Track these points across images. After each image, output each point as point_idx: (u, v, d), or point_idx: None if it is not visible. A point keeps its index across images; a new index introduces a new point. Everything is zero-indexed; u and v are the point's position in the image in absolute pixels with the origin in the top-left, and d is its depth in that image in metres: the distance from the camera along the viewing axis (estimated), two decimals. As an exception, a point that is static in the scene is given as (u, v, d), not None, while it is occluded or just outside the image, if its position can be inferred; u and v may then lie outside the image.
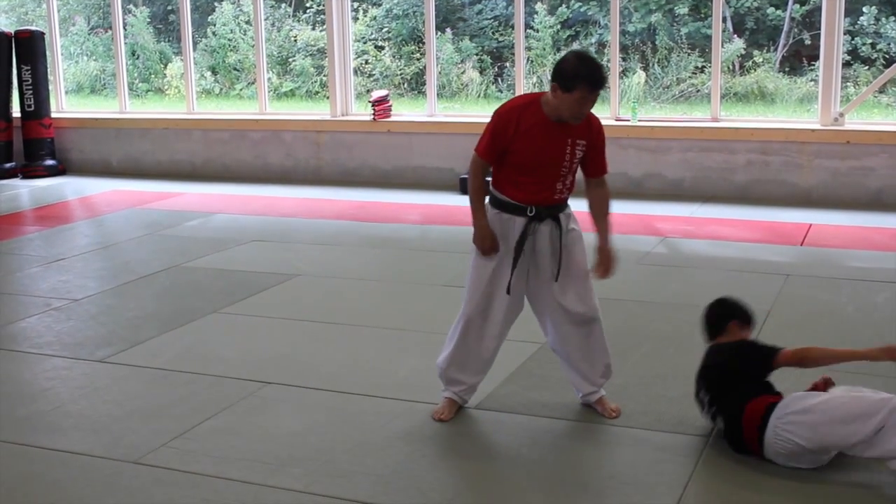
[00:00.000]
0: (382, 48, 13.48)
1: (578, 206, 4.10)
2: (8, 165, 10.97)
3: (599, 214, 4.08)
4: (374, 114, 10.13)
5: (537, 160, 3.88)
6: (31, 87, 10.97)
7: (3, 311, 5.85)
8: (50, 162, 11.02)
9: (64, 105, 11.95)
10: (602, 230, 4.08)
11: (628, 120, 9.40)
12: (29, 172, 10.87)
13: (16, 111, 11.16)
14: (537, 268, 4.03)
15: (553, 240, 3.97)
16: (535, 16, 12.34)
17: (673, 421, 4.07)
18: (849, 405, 3.54)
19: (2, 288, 6.38)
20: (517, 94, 9.90)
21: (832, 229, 7.62)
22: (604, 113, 9.85)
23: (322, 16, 12.41)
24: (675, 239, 7.37)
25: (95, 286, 6.35)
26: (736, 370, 3.83)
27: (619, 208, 8.38)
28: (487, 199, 4.03)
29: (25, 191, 10.17)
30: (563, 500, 3.48)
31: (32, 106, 10.99)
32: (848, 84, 11.14)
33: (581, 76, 3.75)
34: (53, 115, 11.27)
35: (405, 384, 4.46)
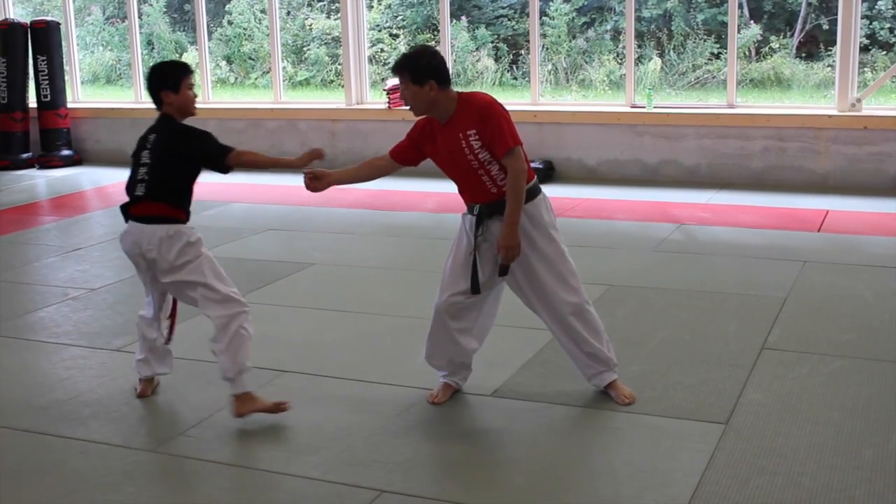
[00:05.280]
0: (397, 36, 13.46)
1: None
2: (25, 156, 11.02)
3: (507, 194, 3.88)
4: (389, 102, 10.12)
5: (445, 162, 3.99)
6: (46, 78, 11.01)
7: (22, 301, 5.88)
8: (66, 152, 11.06)
9: (80, 95, 11.98)
10: (507, 210, 3.88)
11: (644, 107, 9.37)
12: (45, 162, 10.91)
13: (32, 101, 11.21)
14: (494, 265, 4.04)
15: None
16: (551, 3, 12.29)
17: (689, 408, 4.06)
18: None
19: (20, 278, 6.41)
20: (531, 83, 9.89)
21: (849, 215, 7.59)
22: (619, 100, 9.83)
23: (337, 4, 12.40)
24: (691, 226, 7.34)
25: (112, 275, 6.38)
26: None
27: (635, 195, 8.45)
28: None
29: (42, 181, 10.22)
30: (580, 488, 3.48)
31: (48, 96, 11.03)
32: (865, 69, 11.06)
33: None
34: (69, 105, 11.31)
35: (421, 372, 4.46)
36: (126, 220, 4.15)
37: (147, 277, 4.16)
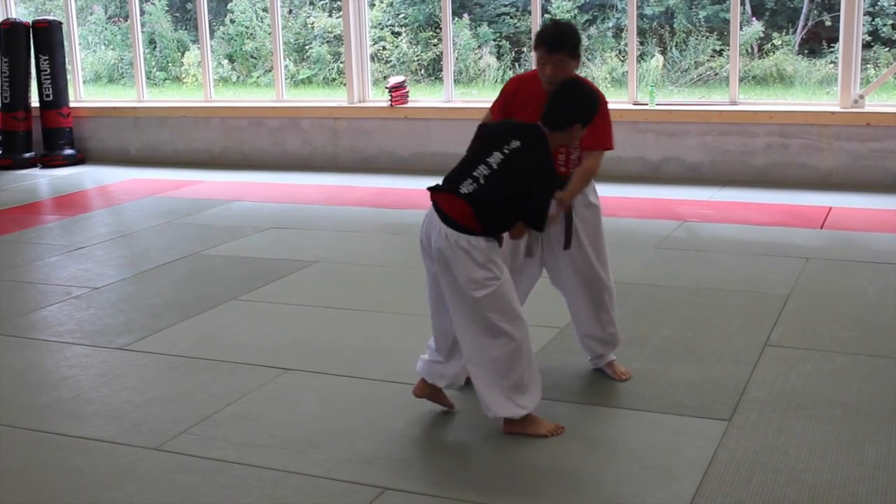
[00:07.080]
0: (399, 34, 13.45)
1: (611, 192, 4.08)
2: (27, 155, 11.03)
3: (575, 175, 4.02)
4: (391, 100, 10.11)
5: None
6: (49, 77, 11.01)
7: (24, 300, 5.89)
8: (69, 151, 11.06)
9: (82, 94, 11.99)
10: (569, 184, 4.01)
11: (646, 104, 9.36)
12: (48, 162, 10.91)
13: (34, 101, 11.22)
14: (549, 238, 4.15)
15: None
16: (553, 0, 12.28)
17: (692, 405, 4.06)
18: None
19: (23, 277, 6.42)
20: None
21: (852, 212, 7.58)
22: (621, 97, 9.83)
23: (338, 2, 12.39)
24: (693, 223, 7.34)
25: (115, 274, 6.38)
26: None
27: (638, 192, 8.45)
28: None
29: (45, 180, 10.22)
30: (582, 485, 3.48)
31: (51, 96, 11.03)
32: (868, 66, 11.04)
33: (540, 35, 3.97)
34: (72, 104, 11.30)
35: (424, 370, 4.46)
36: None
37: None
